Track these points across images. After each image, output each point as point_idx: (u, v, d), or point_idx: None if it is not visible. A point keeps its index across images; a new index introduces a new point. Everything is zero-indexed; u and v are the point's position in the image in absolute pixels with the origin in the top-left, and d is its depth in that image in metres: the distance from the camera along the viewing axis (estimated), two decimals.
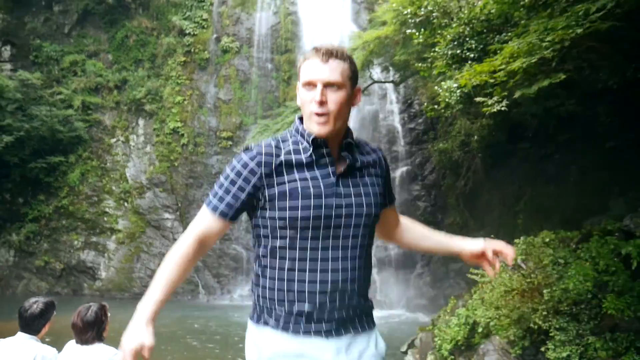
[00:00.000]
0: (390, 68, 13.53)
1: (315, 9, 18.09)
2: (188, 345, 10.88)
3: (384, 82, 15.21)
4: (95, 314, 3.43)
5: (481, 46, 7.14)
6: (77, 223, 17.56)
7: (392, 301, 14.58)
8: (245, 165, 1.84)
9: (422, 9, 8.70)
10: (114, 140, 18.38)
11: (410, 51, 10.95)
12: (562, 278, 5.97)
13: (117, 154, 18.29)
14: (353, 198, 1.85)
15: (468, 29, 7.29)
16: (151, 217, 17.62)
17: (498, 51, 6.01)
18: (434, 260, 14.71)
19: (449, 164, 14.16)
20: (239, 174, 1.85)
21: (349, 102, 1.87)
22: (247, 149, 1.89)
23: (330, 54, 1.82)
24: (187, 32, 18.62)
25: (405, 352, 8.13)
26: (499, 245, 2.11)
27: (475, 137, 12.48)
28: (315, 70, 1.82)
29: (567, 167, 10.47)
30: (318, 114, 1.82)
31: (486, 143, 12.39)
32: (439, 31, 8.17)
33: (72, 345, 3.45)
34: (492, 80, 5.82)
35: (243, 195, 1.85)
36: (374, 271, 15.13)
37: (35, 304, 3.59)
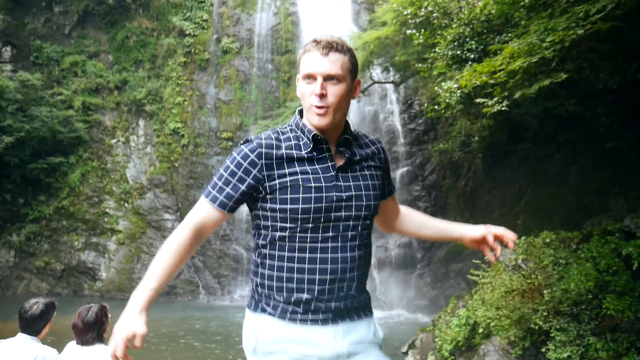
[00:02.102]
0: (391, 68, 13.53)
1: (315, 9, 18.09)
2: (189, 345, 10.88)
3: (384, 82, 15.21)
4: (95, 314, 3.43)
5: (481, 47, 7.14)
6: (77, 224, 17.56)
7: (393, 302, 14.57)
8: (245, 157, 1.85)
9: (422, 10, 8.71)
10: (115, 141, 18.38)
11: (411, 52, 10.95)
12: (563, 278, 5.97)
13: (117, 154, 18.29)
14: (353, 191, 1.86)
15: (468, 29, 7.29)
16: (151, 218, 17.62)
17: (498, 52, 6.01)
18: (435, 261, 14.70)
19: (449, 165, 14.16)
20: (239, 165, 1.85)
21: (348, 95, 1.88)
22: (247, 141, 1.90)
23: (330, 46, 1.82)
24: (188, 32, 18.63)
25: (406, 353, 8.13)
26: (499, 230, 2.15)
27: (476, 137, 12.47)
28: (315, 63, 1.82)
29: (568, 168, 10.48)
30: (318, 107, 1.82)
31: (486, 143, 12.39)
32: (439, 32, 8.17)
33: (72, 346, 3.45)
34: (492, 81, 5.82)
35: (243, 187, 1.85)
36: (374, 271, 15.16)
37: (36, 304, 3.60)
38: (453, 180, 14.27)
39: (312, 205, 1.80)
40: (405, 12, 9.32)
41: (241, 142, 1.92)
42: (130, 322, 1.75)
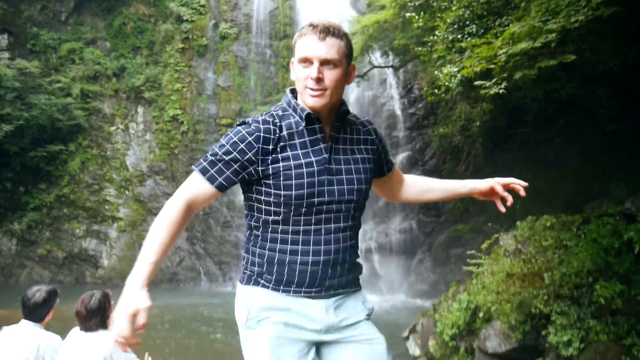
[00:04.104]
0: (390, 52, 13.45)
1: None
2: (193, 331, 10.95)
3: (384, 67, 15.12)
4: (98, 301, 3.45)
5: (482, 30, 7.08)
6: (78, 211, 17.58)
7: (393, 287, 14.63)
8: (243, 139, 1.84)
9: None
10: (114, 128, 18.33)
11: (410, 35, 10.87)
12: (563, 262, 5.98)
13: (117, 142, 18.25)
14: (344, 175, 1.90)
15: (468, 12, 7.22)
16: (152, 205, 17.63)
17: (499, 35, 5.95)
18: (435, 246, 14.74)
19: (450, 149, 14.14)
20: (235, 145, 1.85)
21: (344, 79, 1.90)
22: (244, 123, 1.90)
23: (327, 31, 1.82)
24: (185, 18, 18.48)
25: (407, 338, 8.18)
26: (508, 179, 2.22)
27: (476, 121, 12.44)
28: (312, 47, 1.82)
29: (568, 151, 10.45)
30: (314, 89, 1.83)
31: (486, 127, 12.36)
32: (439, 14, 8.09)
33: (76, 332, 3.47)
34: (492, 66, 5.77)
35: (236, 166, 1.85)
36: (375, 256, 15.20)
37: (38, 292, 3.61)
38: (453, 165, 14.25)
39: (305, 191, 1.82)
40: None
41: (238, 122, 1.92)
42: (132, 297, 1.72)
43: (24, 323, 3.58)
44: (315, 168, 1.84)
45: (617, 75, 7.79)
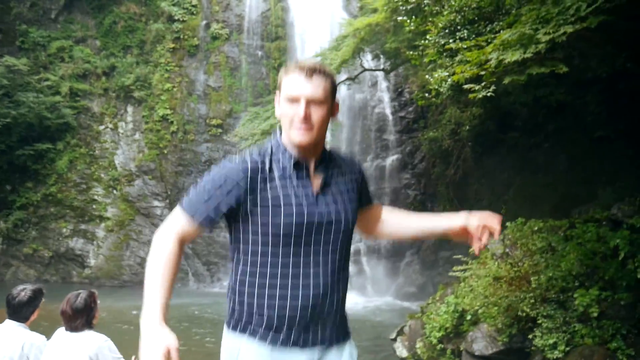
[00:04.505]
0: (381, 56, 13.48)
1: None
2: (180, 331, 10.86)
3: (375, 70, 15.16)
4: (84, 301, 3.42)
5: (473, 35, 7.12)
6: (65, 211, 17.43)
7: (382, 289, 14.66)
8: (229, 176, 1.84)
9: None
10: (103, 127, 18.21)
11: (401, 39, 10.91)
12: (550, 266, 6.02)
13: (105, 141, 18.13)
14: (332, 210, 1.90)
15: (459, 16, 7.26)
16: (140, 205, 17.54)
17: (489, 41, 5.99)
18: (424, 249, 14.79)
19: (439, 153, 14.20)
20: (222, 182, 1.84)
21: (329, 116, 1.93)
22: (231, 160, 1.91)
23: (314, 70, 1.86)
24: (176, 18, 18.41)
25: (394, 340, 8.19)
26: (482, 219, 2.02)
27: (466, 126, 12.51)
28: (299, 86, 1.85)
29: (556, 156, 10.54)
30: (301, 127, 1.85)
31: (476, 132, 12.43)
32: (430, 19, 8.13)
33: (61, 332, 3.44)
34: (482, 72, 5.81)
35: (222, 205, 1.84)
36: (364, 259, 15.22)
37: (24, 291, 3.57)
38: (442, 169, 14.31)
39: (294, 226, 1.82)
40: None
41: (226, 159, 1.94)
42: (156, 337, 1.62)
43: (9, 323, 3.54)
44: (304, 203, 1.85)
45: (605, 82, 7.88)
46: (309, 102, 1.84)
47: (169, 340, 1.62)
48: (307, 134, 1.86)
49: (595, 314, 5.46)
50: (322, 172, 1.95)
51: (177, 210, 1.88)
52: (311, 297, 1.86)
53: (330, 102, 1.91)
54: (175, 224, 1.86)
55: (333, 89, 1.93)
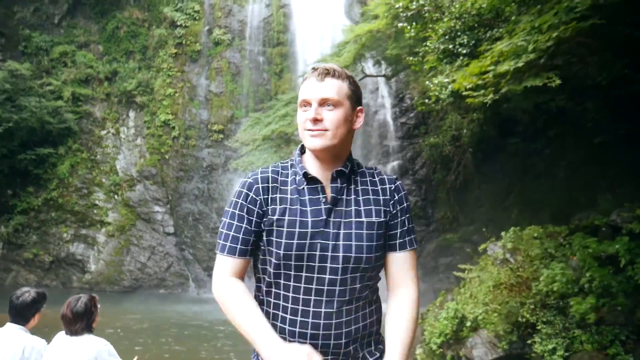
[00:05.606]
0: (382, 62, 13.53)
1: (307, 1, 18.03)
2: (179, 337, 10.88)
3: (376, 76, 15.21)
4: (85, 305, 3.43)
5: (473, 41, 7.17)
6: (66, 215, 17.45)
7: (382, 296, 14.61)
8: (245, 197, 1.80)
9: (414, 3, 8.71)
10: (104, 132, 18.26)
11: (402, 45, 10.95)
12: (548, 276, 6.02)
13: (107, 146, 18.17)
14: (342, 240, 1.74)
15: (459, 23, 7.31)
16: (141, 210, 17.55)
17: (487, 50, 6.03)
18: (424, 255, 14.79)
19: (440, 159, 14.22)
20: (241, 206, 1.79)
21: (347, 122, 1.78)
22: (243, 180, 1.85)
23: (326, 72, 1.78)
24: (179, 23, 18.50)
25: None
26: None
27: (466, 131, 12.53)
28: (310, 89, 1.78)
29: (557, 162, 10.56)
30: (312, 130, 1.76)
31: (477, 138, 12.46)
32: (431, 25, 8.18)
33: (61, 336, 3.45)
34: (481, 82, 5.84)
35: (252, 226, 1.78)
36: None
37: (27, 292, 3.59)
38: (443, 175, 14.33)
39: (293, 253, 1.71)
40: (397, 5, 9.31)
41: (240, 183, 1.86)
42: (292, 351, 1.57)
43: (10, 326, 3.55)
44: (309, 228, 1.72)
45: (605, 88, 7.90)
46: (321, 104, 1.75)
47: (305, 348, 1.59)
48: (320, 137, 1.74)
49: (591, 320, 5.45)
50: (341, 197, 1.78)
51: (218, 257, 1.83)
52: (309, 337, 1.73)
53: (348, 106, 1.78)
54: (224, 269, 1.80)
55: (352, 92, 1.80)
